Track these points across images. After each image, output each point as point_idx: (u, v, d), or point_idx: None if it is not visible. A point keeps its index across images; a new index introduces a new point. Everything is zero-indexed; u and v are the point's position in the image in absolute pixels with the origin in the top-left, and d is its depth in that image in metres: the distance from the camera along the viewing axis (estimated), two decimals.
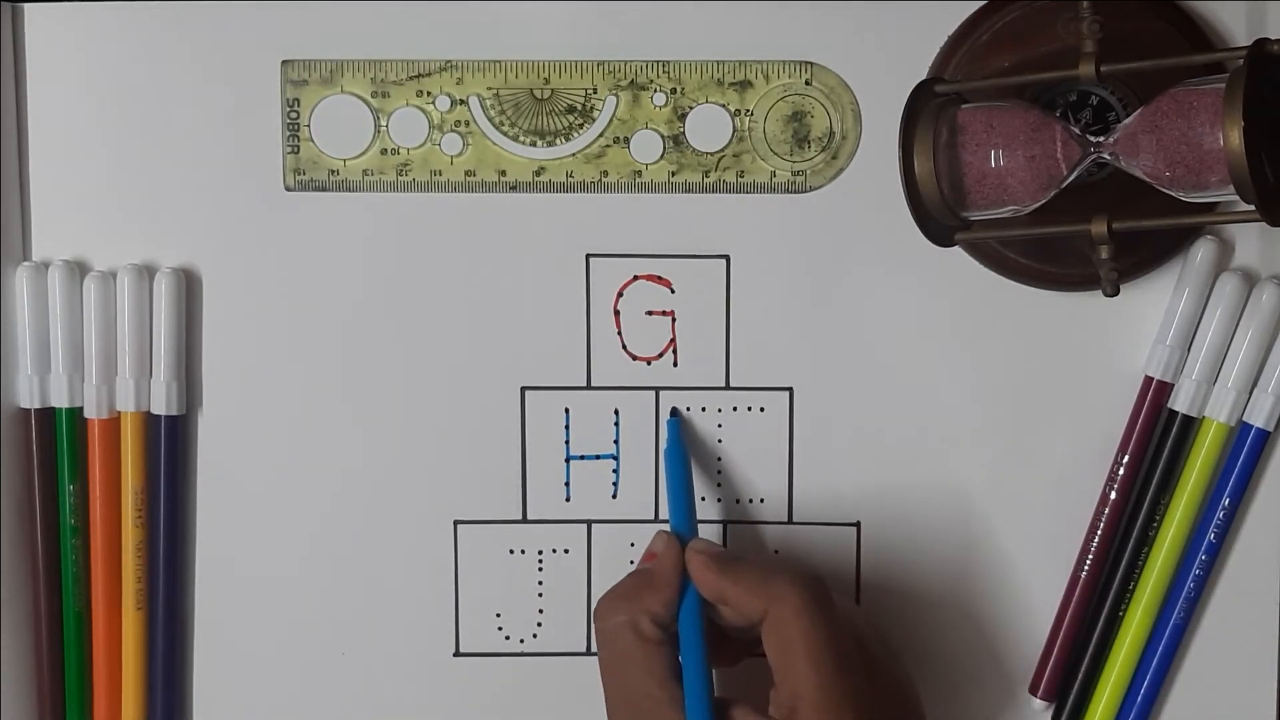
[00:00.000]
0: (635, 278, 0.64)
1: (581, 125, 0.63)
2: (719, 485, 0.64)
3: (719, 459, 0.64)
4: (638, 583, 0.58)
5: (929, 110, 0.58)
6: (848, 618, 0.57)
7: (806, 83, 0.63)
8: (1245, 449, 0.62)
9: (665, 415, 0.64)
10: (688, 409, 0.64)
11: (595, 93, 0.63)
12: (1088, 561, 0.63)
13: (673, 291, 0.64)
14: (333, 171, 0.63)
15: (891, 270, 0.63)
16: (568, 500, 0.65)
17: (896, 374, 0.64)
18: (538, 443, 0.64)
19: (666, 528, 0.61)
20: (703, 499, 0.64)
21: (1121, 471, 0.63)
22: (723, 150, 0.63)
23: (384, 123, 0.63)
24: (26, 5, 0.63)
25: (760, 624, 0.56)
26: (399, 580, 0.65)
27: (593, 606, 0.58)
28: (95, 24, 0.63)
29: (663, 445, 0.64)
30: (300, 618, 0.65)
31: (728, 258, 0.64)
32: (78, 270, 0.63)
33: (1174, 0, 0.62)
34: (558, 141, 0.63)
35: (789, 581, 0.55)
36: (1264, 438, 0.62)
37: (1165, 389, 0.62)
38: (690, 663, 0.56)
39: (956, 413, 0.64)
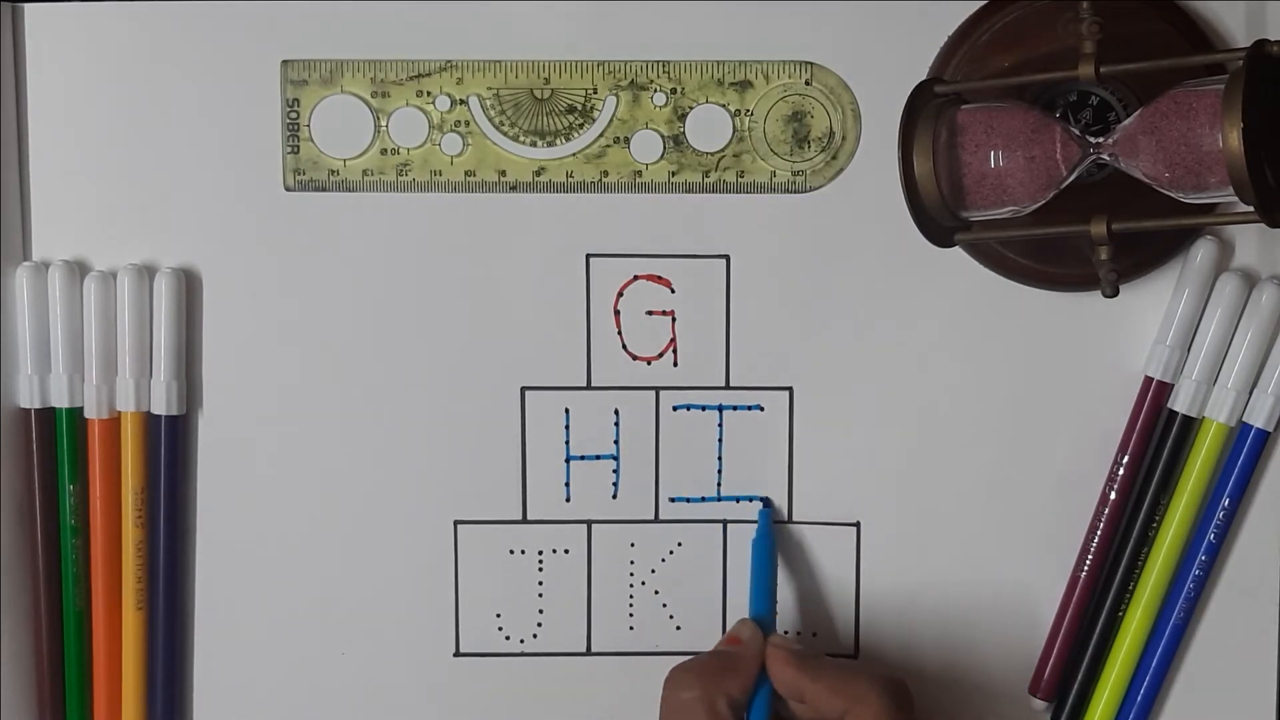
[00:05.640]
0: (635, 278, 0.64)
1: (581, 125, 0.63)
2: (719, 485, 0.64)
3: (719, 458, 0.64)
4: (720, 663, 0.59)
5: (929, 110, 0.58)
6: None
7: (806, 83, 0.63)
8: (1245, 449, 0.62)
9: (666, 415, 0.64)
10: (688, 408, 0.64)
11: (595, 93, 0.63)
12: (1088, 561, 0.63)
13: (673, 291, 0.64)
14: (333, 171, 0.63)
15: (891, 270, 0.63)
16: (568, 500, 0.65)
17: (896, 374, 0.64)
18: (538, 443, 0.64)
19: (746, 614, 0.62)
20: (703, 498, 0.64)
21: (1121, 472, 0.63)
22: (723, 150, 0.63)
23: (384, 123, 0.63)
24: (26, 5, 0.63)
25: None
26: (399, 580, 0.65)
27: (665, 675, 0.59)
28: (95, 24, 0.63)
29: (664, 447, 0.64)
30: (300, 618, 0.65)
31: (728, 258, 0.64)
32: (78, 270, 0.63)
33: (1174, 0, 0.61)
34: (558, 141, 0.63)
35: (870, 684, 0.57)
36: (1264, 438, 0.62)
37: (1165, 389, 0.62)
38: None
39: (956, 413, 0.64)
